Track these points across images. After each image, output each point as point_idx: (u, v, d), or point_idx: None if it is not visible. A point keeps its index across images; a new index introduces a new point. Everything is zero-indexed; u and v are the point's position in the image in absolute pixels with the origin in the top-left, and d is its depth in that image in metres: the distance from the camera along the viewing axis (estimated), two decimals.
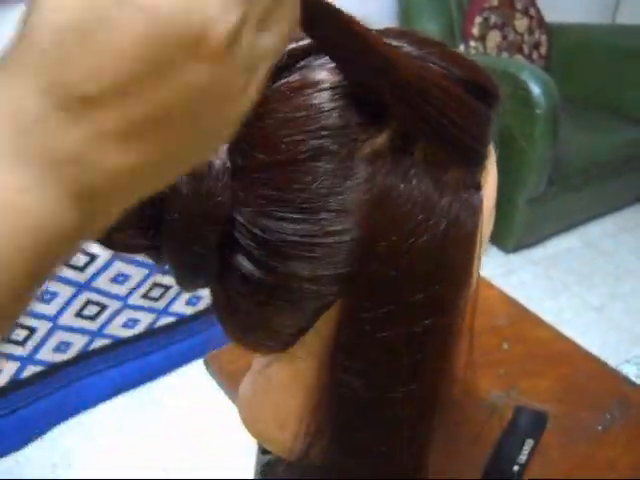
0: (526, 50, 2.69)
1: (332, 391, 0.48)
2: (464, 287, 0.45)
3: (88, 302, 1.60)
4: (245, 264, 0.42)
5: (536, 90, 2.02)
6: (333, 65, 0.39)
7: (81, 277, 1.55)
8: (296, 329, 0.46)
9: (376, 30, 0.42)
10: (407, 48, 0.40)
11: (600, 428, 0.73)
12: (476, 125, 0.42)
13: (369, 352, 0.45)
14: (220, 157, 0.40)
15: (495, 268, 2.38)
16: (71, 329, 1.61)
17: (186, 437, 1.66)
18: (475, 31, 2.53)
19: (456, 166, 0.41)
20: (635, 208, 2.80)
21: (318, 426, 0.50)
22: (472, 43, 2.53)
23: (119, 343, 1.73)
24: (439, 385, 0.49)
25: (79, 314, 1.60)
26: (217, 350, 0.81)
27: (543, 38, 2.73)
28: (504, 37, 2.62)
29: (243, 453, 1.48)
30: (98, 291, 1.60)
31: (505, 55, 2.63)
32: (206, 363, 0.80)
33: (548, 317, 2.12)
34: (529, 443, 0.69)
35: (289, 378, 0.54)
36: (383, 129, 0.39)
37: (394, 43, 0.40)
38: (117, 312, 1.67)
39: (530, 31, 2.69)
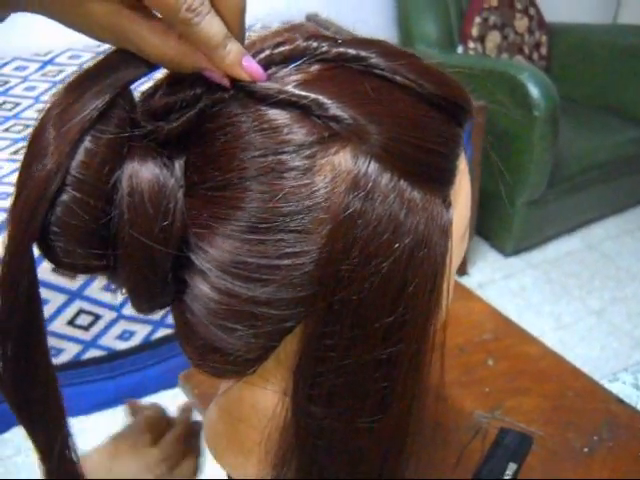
0: (526, 51, 2.67)
1: (296, 421, 0.46)
2: (434, 312, 0.43)
3: (80, 311, 1.58)
4: (201, 286, 0.40)
5: (535, 92, 2.00)
6: (295, 77, 0.38)
7: (72, 285, 1.54)
8: (254, 355, 0.44)
9: (342, 39, 0.40)
10: (375, 59, 0.39)
11: (587, 450, 0.71)
12: (442, 142, 0.40)
13: (333, 380, 0.43)
14: (175, 175, 0.38)
15: (494, 272, 2.36)
16: (62, 336, 1.59)
17: None
18: (474, 32, 2.50)
19: (423, 184, 0.39)
20: (637, 210, 2.76)
21: (283, 457, 0.48)
22: (471, 44, 2.50)
23: (115, 355, 1.71)
24: (408, 414, 0.47)
25: (71, 323, 1.59)
26: (190, 369, 0.78)
27: (544, 38, 2.71)
28: (504, 37, 2.59)
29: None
30: (90, 300, 1.58)
31: (505, 56, 2.61)
32: (180, 382, 0.78)
33: (548, 321, 2.12)
34: (512, 467, 0.67)
35: (250, 407, 0.52)
36: (345, 145, 0.37)
37: (362, 54, 0.39)
38: (112, 323, 1.65)
39: (530, 31, 2.66)
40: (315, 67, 0.39)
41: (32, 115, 1.95)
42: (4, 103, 2.01)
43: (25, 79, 2.11)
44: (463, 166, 0.44)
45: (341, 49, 0.39)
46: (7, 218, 0.36)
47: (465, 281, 2.24)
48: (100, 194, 0.36)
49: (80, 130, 0.35)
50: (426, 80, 0.39)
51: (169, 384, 1.77)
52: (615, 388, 0.79)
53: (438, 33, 2.48)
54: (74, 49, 2.21)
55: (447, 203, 0.41)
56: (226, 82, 0.37)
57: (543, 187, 2.21)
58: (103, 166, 0.36)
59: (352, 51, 0.39)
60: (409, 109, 0.39)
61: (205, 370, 0.48)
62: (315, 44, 0.39)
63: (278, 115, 0.37)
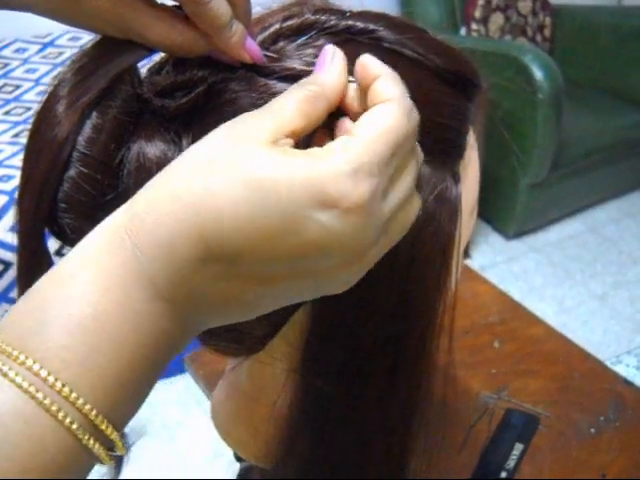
0: (530, 32, 2.64)
1: (304, 397, 0.45)
2: (442, 288, 0.42)
3: None
4: None
5: (539, 74, 1.98)
6: (303, 51, 0.38)
7: None
8: (262, 332, 0.44)
9: (352, 12, 0.40)
10: (383, 32, 0.38)
11: (593, 431, 0.71)
12: (451, 116, 0.40)
13: (341, 357, 0.43)
14: (182, 151, 0.38)
15: (496, 255, 2.35)
16: None
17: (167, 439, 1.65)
18: (477, 13, 2.48)
19: (432, 158, 0.38)
20: None
21: (291, 434, 0.48)
22: (474, 26, 2.48)
23: None
24: (416, 391, 0.46)
25: None
26: (197, 350, 0.78)
27: (547, 20, 2.68)
28: (507, 19, 2.57)
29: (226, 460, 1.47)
30: None
31: (508, 38, 2.58)
32: (186, 363, 0.78)
33: (550, 305, 2.11)
34: (518, 448, 0.67)
35: (259, 384, 0.52)
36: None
37: (371, 27, 0.38)
38: None
39: (534, 13, 2.63)
40: (323, 40, 0.38)
41: (33, 98, 1.94)
42: (4, 86, 1.99)
43: (25, 61, 2.09)
44: (472, 140, 0.44)
45: (349, 22, 0.39)
46: (18, 192, 0.36)
47: (467, 264, 2.24)
48: (107, 169, 0.36)
49: (88, 104, 0.34)
50: (435, 54, 0.39)
51: (178, 369, 1.77)
52: (618, 371, 0.79)
53: (440, 14, 2.46)
54: (74, 31, 2.19)
55: (456, 177, 0.41)
56: (236, 63, 0.37)
57: (546, 170, 2.20)
58: (110, 141, 0.36)
59: (360, 24, 0.38)
60: (418, 83, 0.38)
61: (214, 349, 0.47)
62: (323, 17, 0.39)
63: (285, 89, 0.37)
